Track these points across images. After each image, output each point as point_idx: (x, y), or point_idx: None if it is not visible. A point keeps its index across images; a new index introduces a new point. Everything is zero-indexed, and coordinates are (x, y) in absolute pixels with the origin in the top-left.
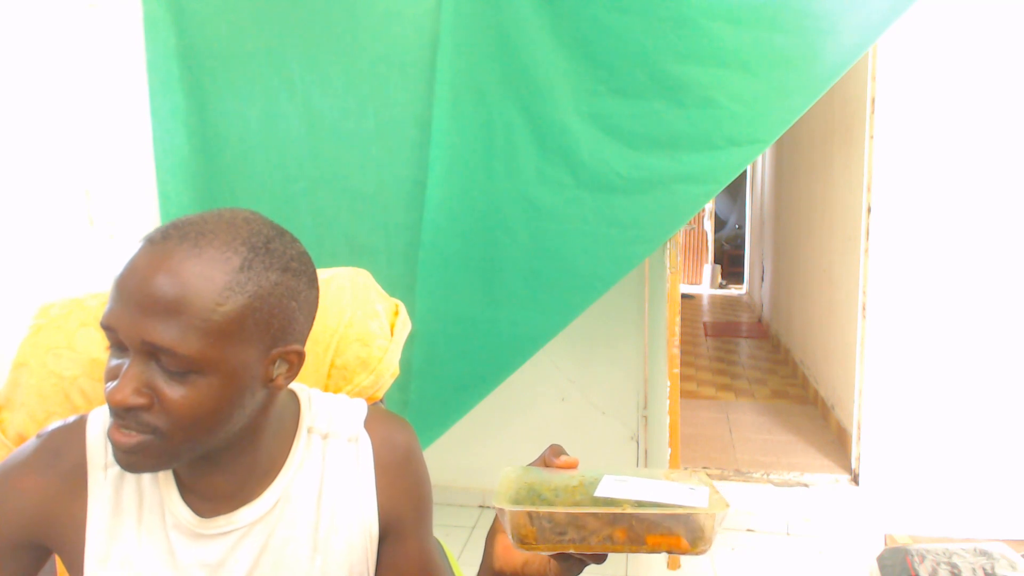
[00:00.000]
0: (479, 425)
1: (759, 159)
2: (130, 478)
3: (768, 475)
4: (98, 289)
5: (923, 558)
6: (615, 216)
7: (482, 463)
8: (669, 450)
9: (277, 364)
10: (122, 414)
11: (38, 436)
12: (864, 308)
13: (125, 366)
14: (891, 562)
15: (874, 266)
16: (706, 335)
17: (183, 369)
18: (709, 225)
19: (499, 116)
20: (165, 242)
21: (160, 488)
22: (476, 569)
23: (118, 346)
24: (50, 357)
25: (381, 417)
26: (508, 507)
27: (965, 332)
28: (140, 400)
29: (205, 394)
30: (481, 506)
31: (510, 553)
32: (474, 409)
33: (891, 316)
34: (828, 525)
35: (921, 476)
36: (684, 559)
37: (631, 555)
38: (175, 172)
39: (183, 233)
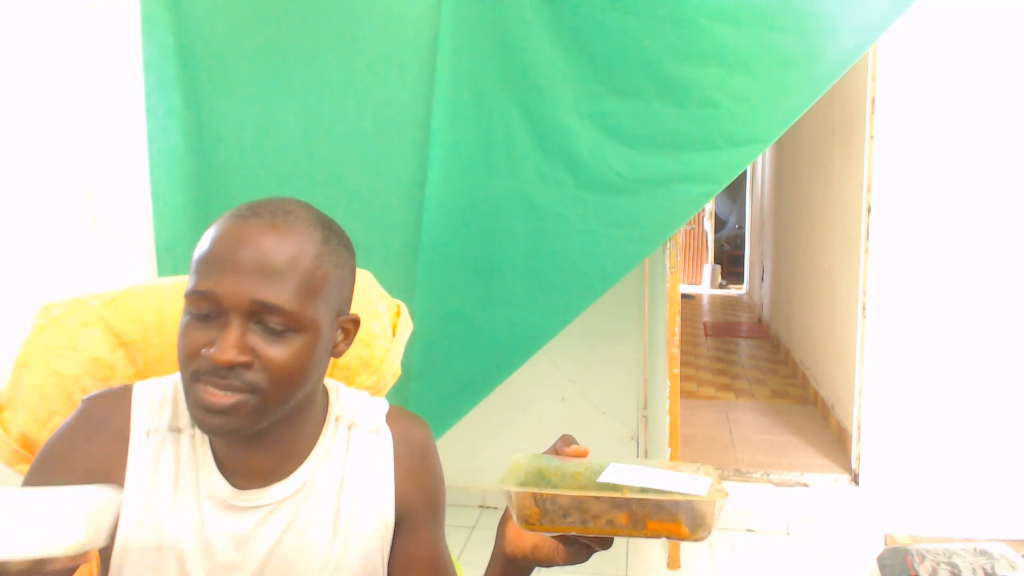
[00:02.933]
0: (479, 425)
1: (759, 159)
2: (168, 447)
3: (768, 475)
4: (101, 289)
5: (923, 558)
6: (615, 216)
7: (482, 463)
8: (669, 450)
9: (338, 332)
10: (224, 373)
11: (83, 401)
12: (864, 308)
13: (223, 330)
14: (891, 562)
15: (874, 266)
16: (706, 335)
17: (285, 327)
18: (709, 225)
19: (499, 116)
20: (259, 217)
21: (197, 458)
22: (477, 570)
23: (211, 313)
24: (52, 356)
25: (401, 414)
26: (514, 488)
27: (965, 332)
28: (244, 358)
29: (300, 350)
30: (481, 506)
31: (521, 538)
32: (474, 409)
33: (891, 316)
34: (828, 525)
35: (921, 476)
36: (685, 560)
37: (631, 553)
38: (170, 171)
39: (271, 211)
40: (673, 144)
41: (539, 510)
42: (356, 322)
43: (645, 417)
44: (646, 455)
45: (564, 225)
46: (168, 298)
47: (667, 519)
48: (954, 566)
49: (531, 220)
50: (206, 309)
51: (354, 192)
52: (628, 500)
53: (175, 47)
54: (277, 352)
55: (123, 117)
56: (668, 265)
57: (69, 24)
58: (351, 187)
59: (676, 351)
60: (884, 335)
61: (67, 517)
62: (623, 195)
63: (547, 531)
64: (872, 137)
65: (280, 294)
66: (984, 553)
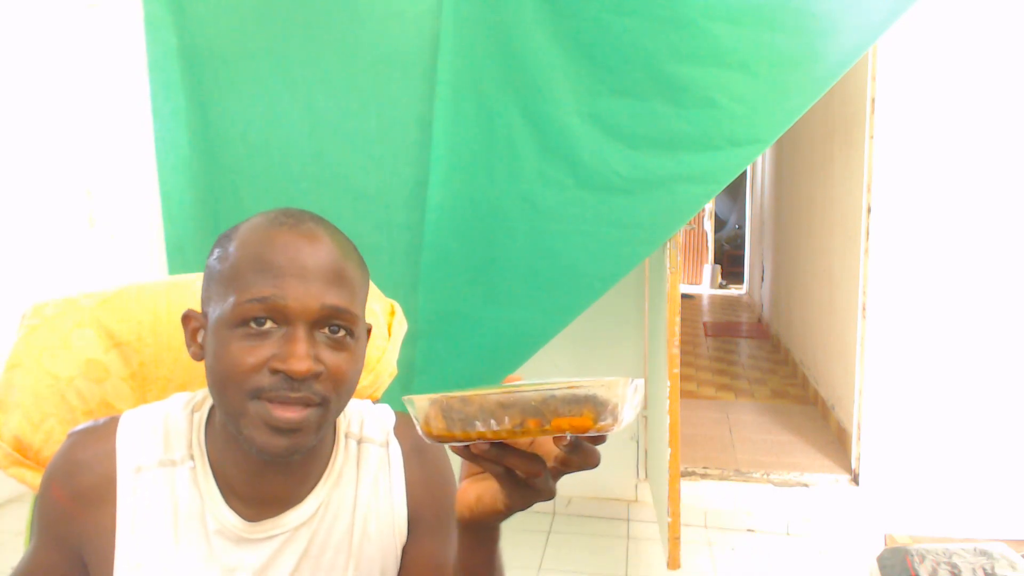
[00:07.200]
0: None
1: (759, 159)
2: (162, 484)
3: (768, 475)
4: (93, 288)
5: (923, 558)
6: (615, 216)
7: None
8: (669, 450)
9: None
10: (296, 386)
11: (68, 436)
12: (864, 308)
13: (287, 341)
14: (891, 562)
15: (874, 266)
16: (706, 335)
17: (347, 332)
18: (709, 225)
19: (500, 116)
20: (304, 223)
21: (200, 493)
22: None
23: (268, 323)
24: (45, 357)
25: (409, 423)
26: (416, 397)
27: (965, 332)
28: (318, 367)
29: (357, 357)
30: None
31: (463, 494)
32: None
33: (891, 316)
34: (828, 525)
35: (921, 476)
36: (685, 560)
37: (631, 554)
38: (177, 172)
39: (309, 218)
40: (673, 144)
41: (445, 422)
42: (370, 330)
43: (645, 417)
44: (646, 455)
45: (564, 225)
46: (163, 298)
47: (572, 413)
48: (954, 566)
49: (532, 220)
50: (264, 317)
51: (360, 192)
52: (528, 396)
53: (179, 48)
54: (340, 360)
55: (124, 118)
56: (668, 265)
57: (70, 25)
58: (357, 187)
59: (676, 351)
60: (884, 335)
61: None
62: (623, 195)
63: (453, 440)
64: (872, 137)
65: (345, 297)
66: (984, 553)
